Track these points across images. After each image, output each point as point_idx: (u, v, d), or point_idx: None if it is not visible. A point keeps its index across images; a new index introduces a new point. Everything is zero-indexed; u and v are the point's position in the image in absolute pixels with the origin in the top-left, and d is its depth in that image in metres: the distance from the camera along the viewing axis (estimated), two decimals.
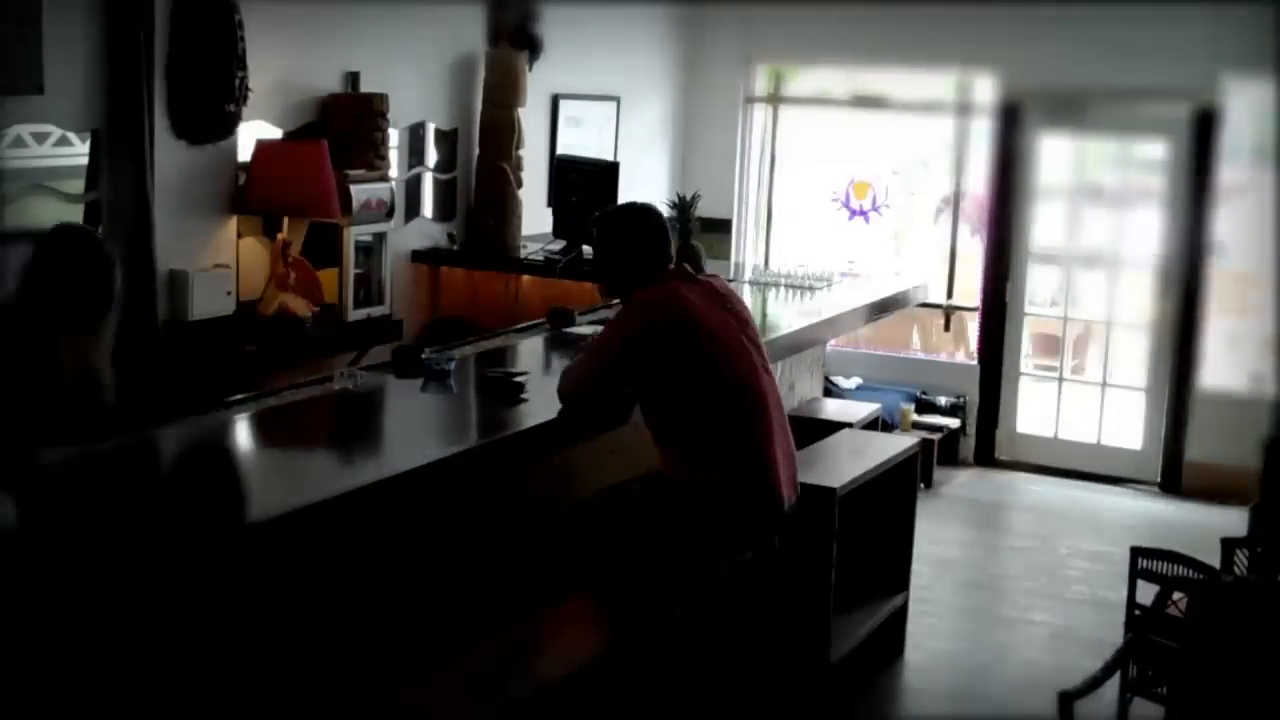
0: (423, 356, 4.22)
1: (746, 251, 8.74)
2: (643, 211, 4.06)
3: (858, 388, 8.13)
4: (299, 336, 5.36)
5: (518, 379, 4.06)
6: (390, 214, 5.91)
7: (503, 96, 6.62)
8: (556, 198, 6.90)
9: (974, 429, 8.22)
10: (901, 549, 5.27)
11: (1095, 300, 8.13)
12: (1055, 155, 8.04)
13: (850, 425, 5.81)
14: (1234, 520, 6.06)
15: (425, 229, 6.59)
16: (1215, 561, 4.46)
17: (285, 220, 5.46)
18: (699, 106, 8.71)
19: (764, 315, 5.55)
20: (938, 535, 6.60)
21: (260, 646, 3.08)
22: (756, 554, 3.95)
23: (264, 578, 2.98)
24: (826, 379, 7.64)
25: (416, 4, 6.28)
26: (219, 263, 5.29)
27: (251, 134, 5.39)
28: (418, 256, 6.50)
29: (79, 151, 4.84)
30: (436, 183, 6.68)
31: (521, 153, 6.72)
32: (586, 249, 6.42)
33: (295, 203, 5.40)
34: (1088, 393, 8.15)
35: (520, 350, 4.79)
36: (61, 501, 3.05)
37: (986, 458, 8.20)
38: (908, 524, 5.26)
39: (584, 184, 6.53)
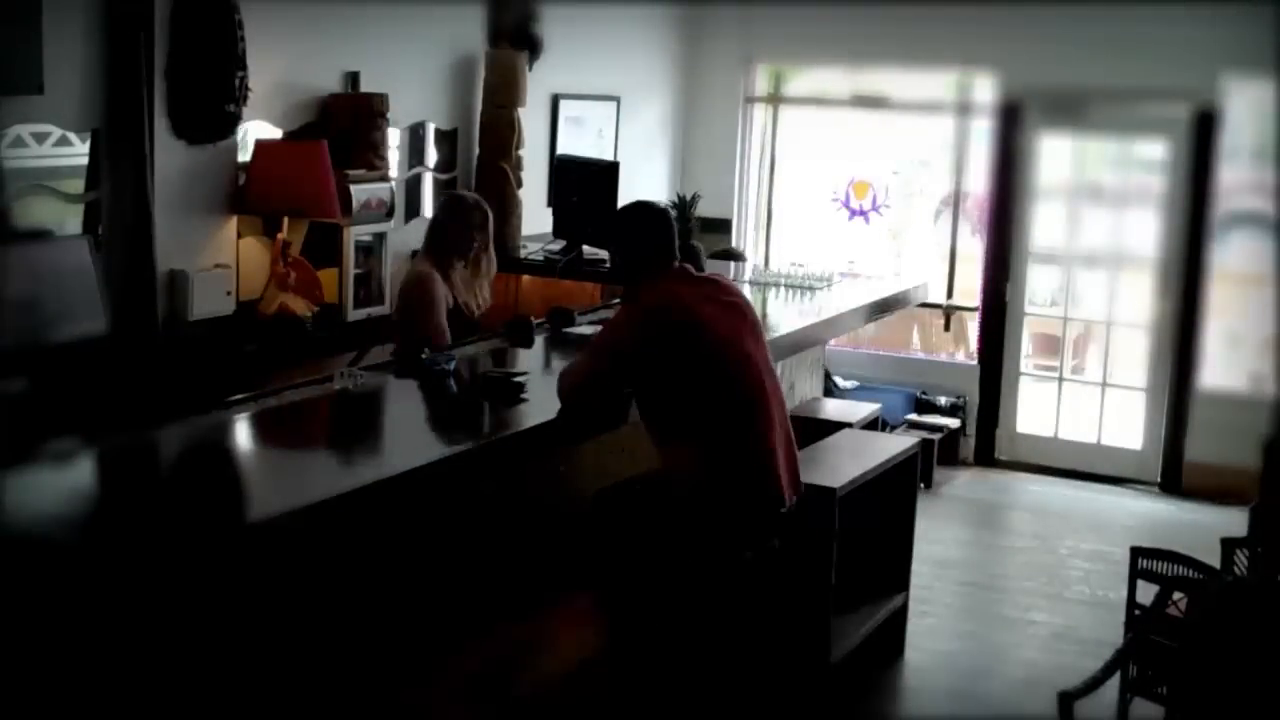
0: (422, 356, 4.23)
1: (746, 252, 8.73)
2: (648, 207, 4.14)
3: (858, 388, 8.13)
4: (299, 336, 5.35)
5: (518, 379, 4.06)
6: (390, 214, 5.90)
7: (503, 96, 6.62)
8: (556, 198, 6.90)
9: (974, 429, 8.22)
10: (901, 549, 5.27)
11: (1095, 300, 8.13)
12: (1055, 155, 8.04)
13: (850, 425, 5.81)
14: (1234, 520, 6.06)
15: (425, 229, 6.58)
16: (1215, 561, 4.46)
17: (285, 220, 5.45)
18: (699, 106, 8.71)
19: (764, 315, 5.55)
20: (938, 535, 6.60)
21: (261, 647, 3.08)
22: (756, 554, 3.95)
23: (264, 578, 2.99)
24: (827, 379, 7.65)
25: (416, 4, 6.27)
26: (219, 263, 5.28)
27: (251, 134, 5.39)
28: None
29: (79, 151, 4.84)
30: (436, 183, 6.67)
31: (521, 153, 6.72)
32: (587, 249, 6.44)
33: (295, 203, 5.39)
34: (1088, 393, 8.15)
35: (520, 350, 4.79)
36: (62, 501, 3.05)
37: (986, 458, 8.19)
38: (908, 524, 5.26)
39: (584, 184, 6.52)
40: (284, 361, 5.22)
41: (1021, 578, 6.31)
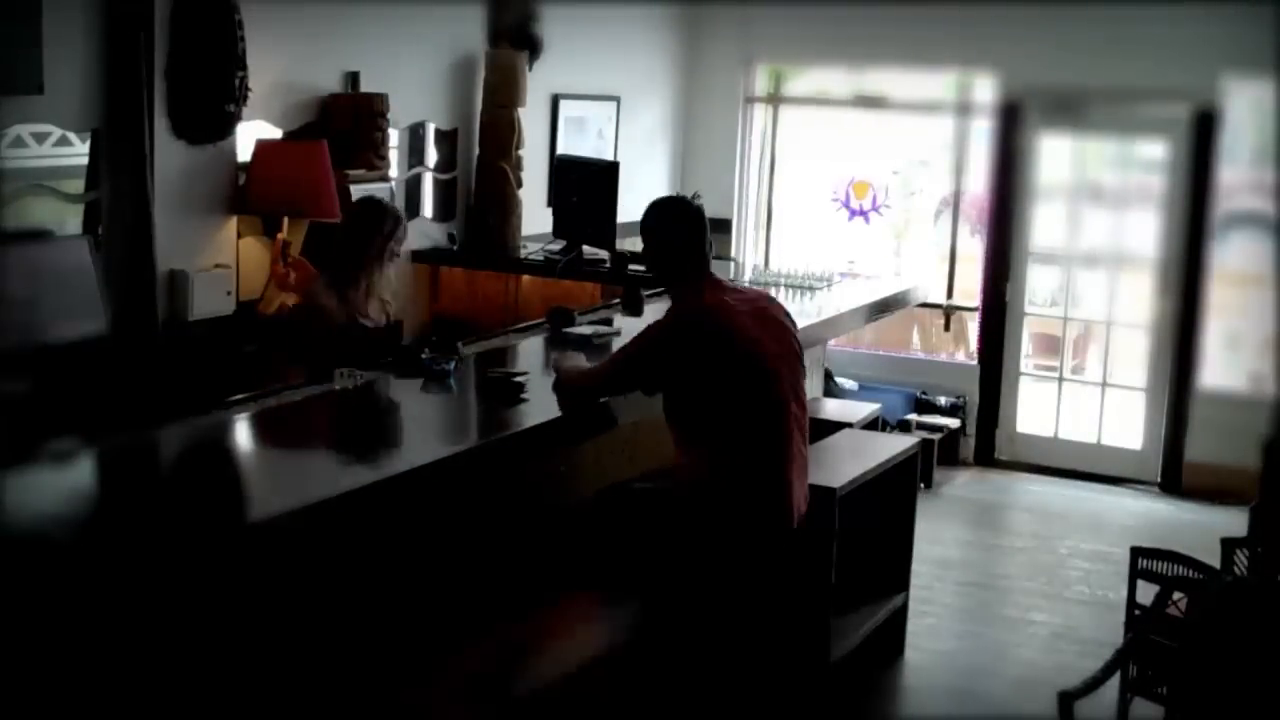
0: (423, 356, 4.23)
1: (746, 251, 8.73)
2: (684, 204, 4.14)
3: (858, 388, 8.13)
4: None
5: (518, 379, 4.06)
6: None
7: (503, 96, 6.62)
8: (556, 198, 6.91)
9: (974, 429, 8.22)
10: (901, 549, 5.27)
11: (1095, 300, 8.13)
12: (1055, 155, 8.04)
13: (850, 425, 5.81)
14: (1234, 520, 6.06)
15: (425, 229, 6.59)
16: (1215, 561, 4.45)
17: (285, 220, 5.46)
18: (699, 106, 8.70)
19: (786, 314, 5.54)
20: (938, 535, 6.60)
21: (260, 647, 3.08)
22: (761, 566, 3.95)
23: (264, 578, 2.98)
24: (829, 379, 7.65)
25: (416, 4, 6.28)
26: (219, 263, 5.29)
27: (251, 134, 5.39)
28: (418, 256, 6.50)
29: (79, 151, 4.84)
30: (436, 183, 6.68)
31: (521, 153, 6.72)
32: (586, 249, 6.44)
33: (295, 203, 5.40)
34: (1088, 393, 8.15)
35: (520, 350, 4.79)
36: (62, 501, 3.05)
37: (986, 458, 8.19)
38: (908, 524, 5.26)
39: (584, 184, 6.53)
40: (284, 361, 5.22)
41: (1021, 578, 6.30)
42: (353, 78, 5.88)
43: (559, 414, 3.83)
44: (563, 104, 7.41)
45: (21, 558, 2.62)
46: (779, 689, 4.41)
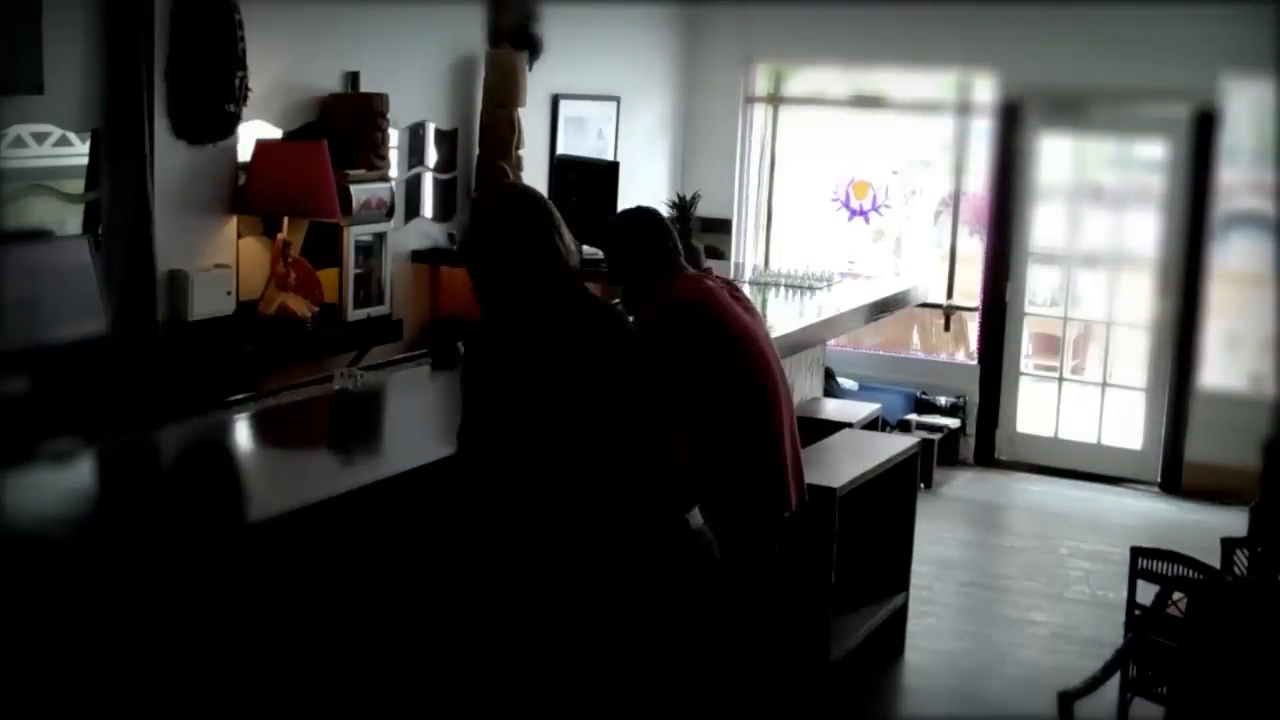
0: (458, 345, 4.26)
1: (746, 251, 8.73)
2: (642, 214, 4.13)
3: (858, 388, 8.13)
4: (299, 336, 5.35)
5: None
6: (390, 214, 5.90)
7: (503, 96, 6.61)
8: (556, 198, 6.87)
9: (974, 429, 8.22)
10: (901, 549, 5.27)
11: (1095, 300, 8.13)
12: (1055, 155, 8.04)
13: (850, 425, 5.81)
14: (1234, 520, 6.07)
15: (425, 229, 6.58)
16: (1215, 561, 4.46)
17: (285, 220, 5.45)
18: (699, 106, 8.70)
19: (764, 315, 5.55)
20: (938, 535, 6.60)
21: (260, 647, 3.08)
22: (756, 557, 3.95)
23: (264, 578, 2.98)
24: (830, 379, 7.65)
25: (416, 4, 6.28)
26: (219, 263, 5.28)
27: (251, 134, 5.39)
28: (418, 256, 6.50)
29: (79, 151, 4.84)
30: (436, 183, 6.67)
31: (521, 153, 6.71)
32: (587, 249, 6.43)
33: (295, 203, 5.39)
34: (1088, 393, 8.16)
35: None
36: (62, 501, 3.05)
37: (986, 458, 8.19)
38: (908, 524, 5.26)
39: (584, 184, 6.52)
40: (284, 361, 5.23)
41: (1021, 578, 6.31)
42: (353, 78, 5.88)
43: None
44: (563, 104, 7.41)
45: (21, 558, 2.62)
46: (779, 689, 4.41)
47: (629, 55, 8.16)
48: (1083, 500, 7.58)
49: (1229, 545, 4.59)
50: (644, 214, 4.15)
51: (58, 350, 4.43)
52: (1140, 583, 4.50)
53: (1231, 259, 7.62)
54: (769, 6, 8.32)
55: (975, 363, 8.34)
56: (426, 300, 6.54)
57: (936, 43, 8.03)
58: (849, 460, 4.84)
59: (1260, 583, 4.07)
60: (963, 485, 7.82)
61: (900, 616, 5.26)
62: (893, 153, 8.73)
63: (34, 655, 2.49)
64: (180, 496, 3.17)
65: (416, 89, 6.37)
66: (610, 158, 7.51)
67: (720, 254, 7.94)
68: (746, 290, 5.53)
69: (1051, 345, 8.36)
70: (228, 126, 5.21)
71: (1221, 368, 7.65)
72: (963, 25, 7.90)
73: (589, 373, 3.22)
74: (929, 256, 8.71)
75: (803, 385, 6.46)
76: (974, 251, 8.43)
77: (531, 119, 6.85)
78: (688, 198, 6.31)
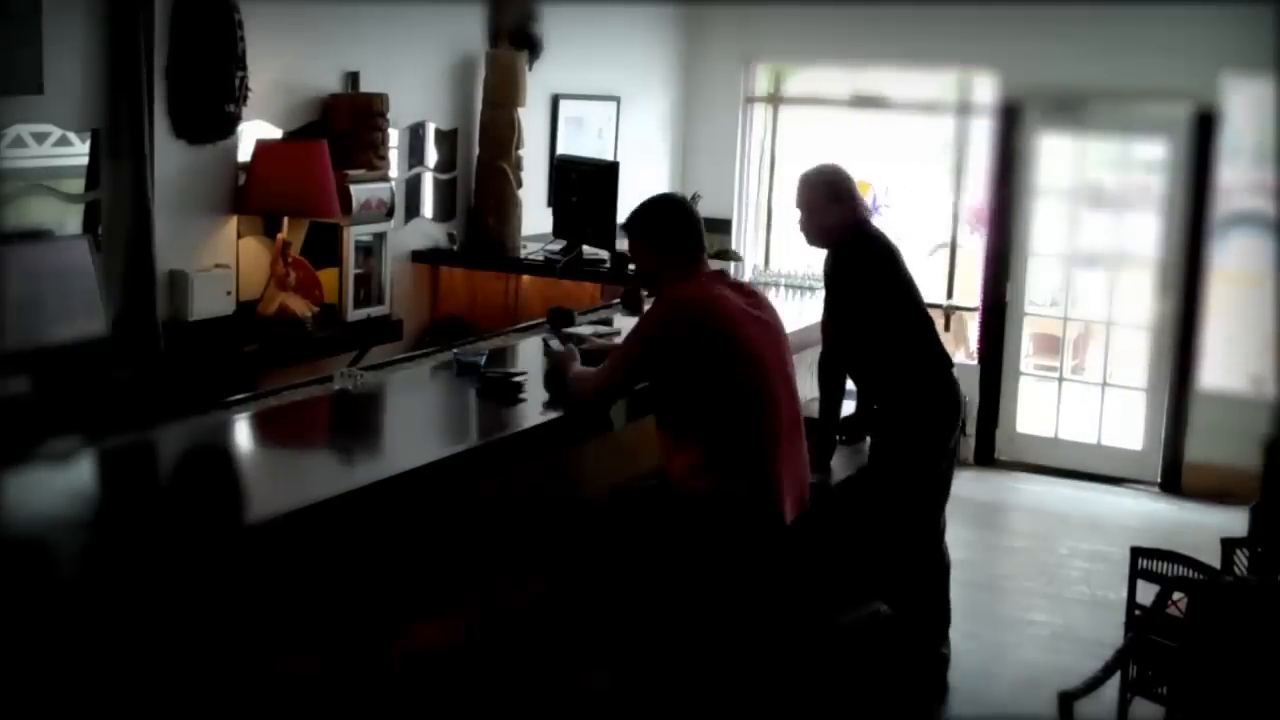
0: (453, 351, 4.26)
1: (746, 251, 8.73)
2: (673, 201, 4.15)
3: None
4: (299, 336, 5.36)
5: (517, 379, 4.06)
6: (390, 214, 5.91)
7: (503, 96, 6.62)
8: (556, 198, 6.91)
9: (974, 429, 8.21)
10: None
11: (1095, 300, 8.13)
12: (1055, 155, 8.03)
13: None
14: (1234, 520, 6.06)
15: (425, 229, 6.59)
16: (1215, 561, 4.45)
17: (285, 220, 5.46)
18: (699, 106, 8.70)
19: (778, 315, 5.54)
20: None
21: (260, 647, 3.08)
22: (755, 564, 3.95)
23: (264, 578, 2.99)
24: None
25: (416, 4, 6.28)
26: (219, 263, 5.29)
27: (251, 134, 5.39)
28: (418, 256, 6.50)
29: (79, 151, 4.84)
30: (436, 183, 6.68)
31: (521, 153, 6.72)
32: (587, 249, 6.44)
33: (295, 203, 5.40)
34: (1088, 393, 8.15)
35: (520, 350, 4.79)
36: (61, 502, 3.05)
37: (986, 458, 8.19)
38: None
39: (584, 184, 6.53)
40: (284, 361, 5.23)
41: (1021, 578, 6.30)
42: (353, 78, 5.88)
43: (558, 414, 3.83)
44: (563, 104, 7.42)
45: (21, 558, 2.62)
46: (779, 688, 4.40)
47: (629, 55, 8.16)
48: (1083, 500, 7.58)
49: (1229, 545, 4.58)
50: (673, 200, 4.17)
51: (58, 350, 4.43)
52: (1140, 583, 4.49)
53: (1231, 259, 7.62)
54: (769, 6, 8.32)
55: (975, 363, 8.34)
56: (426, 300, 6.54)
57: (936, 43, 8.03)
58: (849, 460, 4.84)
59: (1260, 583, 4.07)
60: (963, 485, 7.80)
61: None
62: (893, 153, 8.72)
63: (34, 656, 2.49)
64: (180, 497, 3.17)
65: (416, 89, 6.38)
66: (610, 158, 7.51)
67: (734, 255, 7.90)
68: None
69: (1051, 345, 8.36)
70: (228, 126, 5.21)
71: (1221, 368, 7.64)
72: (963, 25, 7.90)
73: None
74: (929, 256, 8.70)
75: (803, 385, 6.44)
76: (974, 251, 8.43)
77: (531, 119, 6.85)
78: (688, 198, 6.30)
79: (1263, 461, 5.35)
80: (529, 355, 4.73)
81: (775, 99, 8.83)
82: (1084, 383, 8.23)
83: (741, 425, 3.81)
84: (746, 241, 8.81)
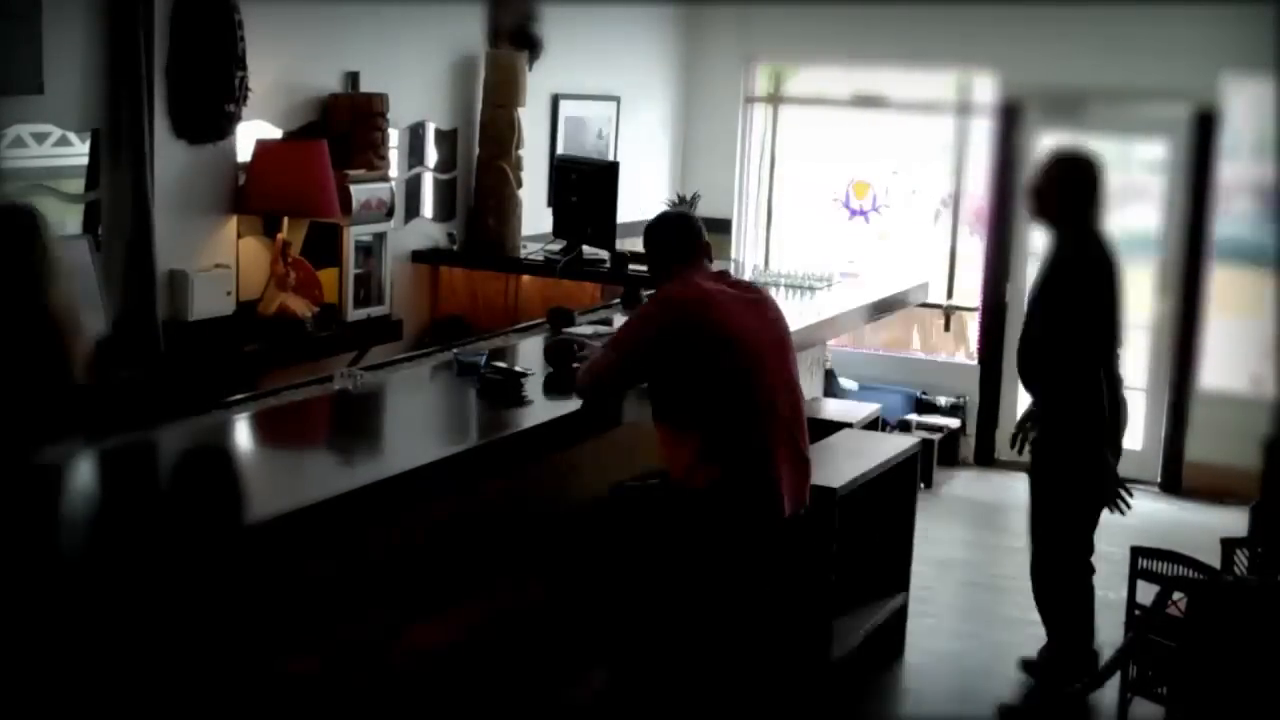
0: (453, 351, 4.26)
1: (746, 251, 8.73)
2: (677, 214, 4.33)
3: (859, 388, 8.13)
4: (299, 336, 5.35)
5: (520, 375, 4.06)
6: (390, 214, 5.90)
7: (503, 96, 6.62)
8: (556, 198, 6.91)
9: (974, 429, 8.22)
10: (901, 549, 5.27)
11: None
12: None
13: (850, 425, 5.81)
14: (1234, 520, 6.06)
15: (425, 229, 6.59)
16: (1215, 561, 4.46)
17: (285, 220, 5.46)
18: (699, 106, 8.71)
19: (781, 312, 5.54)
20: (938, 535, 6.60)
21: (260, 647, 3.08)
22: (755, 560, 3.95)
23: (264, 578, 2.99)
24: (833, 380, 7.65)
25: (416, 4, 6.28)
26: (219, 263, 5.29)
27: (251, 134, 5.39)
28: (418, 256, 6.50)
29: (79, 151, 4.84)
30: (436, 183, 6.68)
31: (521, 153, 6.72)
32: (587, 249, 6.44)
33: (295, 203, 5.40)
34: None
35: (520, 350, 4.79)
36: (61, 501, 3.05)
37: (986, 458, 8.19)
38: (908, 524, 5.26)
39: (584, 184, 6.52)
40: (284, 361, 5.23)
41: (1021, 578, 6.25)
42: (353, 78, 5.88)
43: (558, 414, 3.83)
44: (563, 104, 7.42)
45: (21, 558, 2.62)
46: (779, 689, 4.41)
47: (629, 55, 8.16)
48: None
49: (1229, 545, 4.59)
50: (678, 214, 4.29)
51: None
52: (1140, 583, 4.50)
53: (1231, 259, 7.61)
54: (769, 6, 8.32)
55: (975, 363, 8.34)
56: (426, 300, 6.54)
57: (936, 43, 8.03)
58: (849, 460, 4.84)
59: (1260, 583, 4.07)
60: (963, 485, 7.82)
61: (900, 616, 5.26)
62: (893, 153, 8.72)
63: (34, 656, 2.49)
64: (180, 497, 3.17)
65: (416, 89, 6.38)
66: (610, 158, 7.51)
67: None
68: None
69: None
70: (228, 126, 5.21)
71: (1221, 368, 7.64)
72: (963, 25, 7.90)
73: None
74: (929, 256, 8.70)
75: (803, 385, 6.45)
76: (974, 251, 8.43)
77: (531, 119, 6.85)
78: (688, 198, 6.31)
79: (1263, 461, 5.34)
80: (529, 355, 4.73)
81: (775, 99, 8.83)
82: None
83: (737, 417, 3.81)
84: (746, 241, 8.82)
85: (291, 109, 5.61)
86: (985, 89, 8.16)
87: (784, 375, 4.00)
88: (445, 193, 6.72)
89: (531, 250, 6.68)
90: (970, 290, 8.42)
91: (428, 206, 6.64)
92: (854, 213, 8.77)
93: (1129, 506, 4.76)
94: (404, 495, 3.24)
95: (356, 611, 3.40)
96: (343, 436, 3.96)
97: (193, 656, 2.87)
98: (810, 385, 6.64)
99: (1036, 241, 8.06)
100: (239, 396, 3.87)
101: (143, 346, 4.82)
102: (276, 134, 5.53)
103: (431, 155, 6.62)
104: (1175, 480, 7.73)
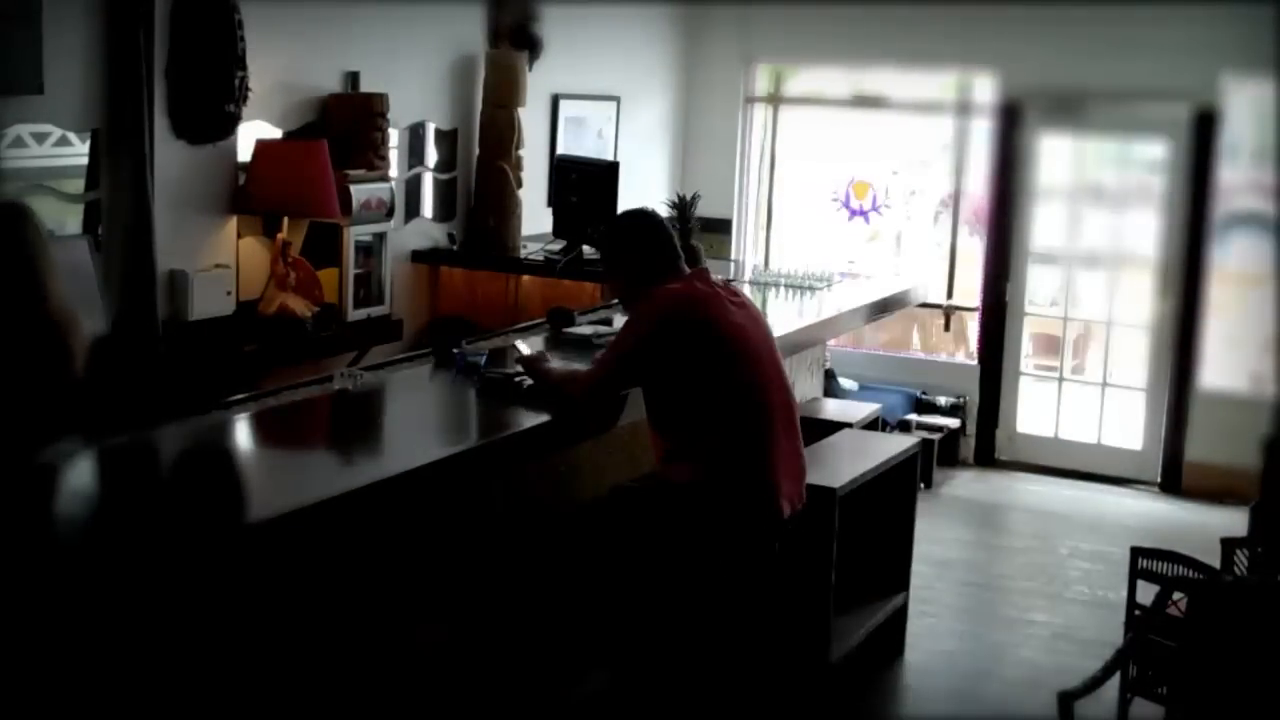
0: (454, 350, 4.25)
1: (746, 251, 8.73)
2: (641, 215, 4.15)
3: (859, 388, 8.13)
4: (299, 336, 5.35)
5: (518, 379, 4.06)
6: (390, 214, 5.91)
7: (503, 96, 6.62)
8: (556, 198, 6.91)
9: (974, 429, 8.22)
10: (901, 549, 5.27)
11: (1095, 300, 8.13)
12: (1055, 155, 8.04)
13: (850, 425, 5.81)
14: (1234, 520, 6.07)
15: (425, 229, 6.59)
16: (1215, 561, 4.46)
17: (285, 220, 5.46)
18: (699, 106, 8.71)
19: (765, 315, 5.54)
20: (938, 535, 6.60)
21: (260, 647, 3.08)
22: (754, 560, 3.95)
23: (264, 578, 2.98)
24: (832, 380, 7.65)
25: (416, 4, 6.28)
26: (219, 263, 5.29)
27: (251, 134, 5.39)
28: (418, 256, 6.50)
29: (79, 151, 4.84)
30: (436, 183, 6.68)
31: (521, 153, 6.72)
32: (587, 249, 6.44)
33: (295, 203, 5.40)
34: (1088, 393, 8.15)
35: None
36: (61, 501, 3.05)
37: (986, 458, 8.19)
38: (908, 524, 5.26)
39: (584, 184, 6.52)
40: (284, 361, 5.23)
41: (1021, 578, 6.31)
42: (353, 78, 5.88)
43: (570, 413, 3.83)
44: (563, 104, 7.42)
45: (21, 558, 2.62)
46: (779, 689, 4.41)
47: (629, 55, 8.16)
48: (1083, 500, 7.58)
49: (1229, 545, 4.58)
50: (642, 215, 4.16)
51: None
52: (1140, 583, 4.50)
53: (1231, 259, 7.62)
54: (769, 6, 8.32)
55: (975, 363, 8.34)
56: (426, 300, 6.54)
57: (936, 43, 8.03)
58: (849, 460, 4.84)
59: (1260, 583, 4.07)
60: (963, 485, 7.82)
61: (900, 616, 5.26)
62: (893, 153, 8.73)
63: (34, 656, 2.49)
64: (180, 496, 3.17)
65: (416, 89, 6.38)
66: (610, 158, 7.51)
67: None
68: (746, 290, 5.54)
69: (1051, 345, 8.36)
70: (228, 126, 5.21)
71: (1221, 368, 7.65)
72: (963, 25, 7.90)
73: None
74: (929, 256, 8.71)
75: (803, 385, 6.46)
76: (974, 251, 8.43)
77: (531, 119, 6.85)
78: (688, 198, 6.29)
79: (1263, 461, 5.35)
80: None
81: (775, 99, 8.84)
82: (1084, 383, 8.23)
83: (733, 416, 3.81)
84: (746, 241, 8.82)
85: (291, 109, 5.61)
86: (985, 89, 8.16)
87: (777, 372, 3.99)
88: (445, 193, 6.72)
89: (531, 250, 6.67)
90: (970, 290, 8.43)
91: (428, 206, 6.64)
92: (854, 213, 8.77)
93: None
94: (404, 495, 3.24)
95: (356, 611, 3.40)
96: (343, 436, 3.96)
97: (191, 657, 2.87)
98: (810, 385, 6.64)
99: (1036, 241, 8.09)
100: (239, 396, 3.87)
101: (142, 346, 4.81)
102: (276, 134, 5.53)
103: (431, 155, 6.62)
104: (1175, 480, 7.73)
